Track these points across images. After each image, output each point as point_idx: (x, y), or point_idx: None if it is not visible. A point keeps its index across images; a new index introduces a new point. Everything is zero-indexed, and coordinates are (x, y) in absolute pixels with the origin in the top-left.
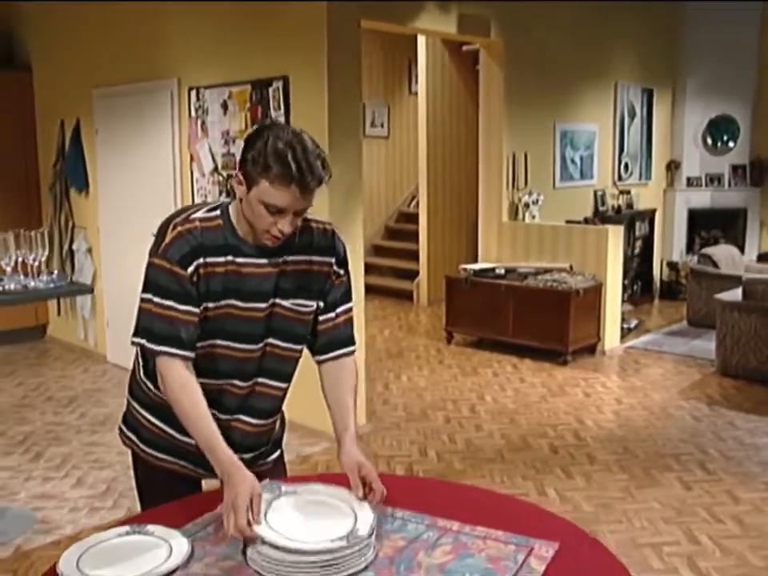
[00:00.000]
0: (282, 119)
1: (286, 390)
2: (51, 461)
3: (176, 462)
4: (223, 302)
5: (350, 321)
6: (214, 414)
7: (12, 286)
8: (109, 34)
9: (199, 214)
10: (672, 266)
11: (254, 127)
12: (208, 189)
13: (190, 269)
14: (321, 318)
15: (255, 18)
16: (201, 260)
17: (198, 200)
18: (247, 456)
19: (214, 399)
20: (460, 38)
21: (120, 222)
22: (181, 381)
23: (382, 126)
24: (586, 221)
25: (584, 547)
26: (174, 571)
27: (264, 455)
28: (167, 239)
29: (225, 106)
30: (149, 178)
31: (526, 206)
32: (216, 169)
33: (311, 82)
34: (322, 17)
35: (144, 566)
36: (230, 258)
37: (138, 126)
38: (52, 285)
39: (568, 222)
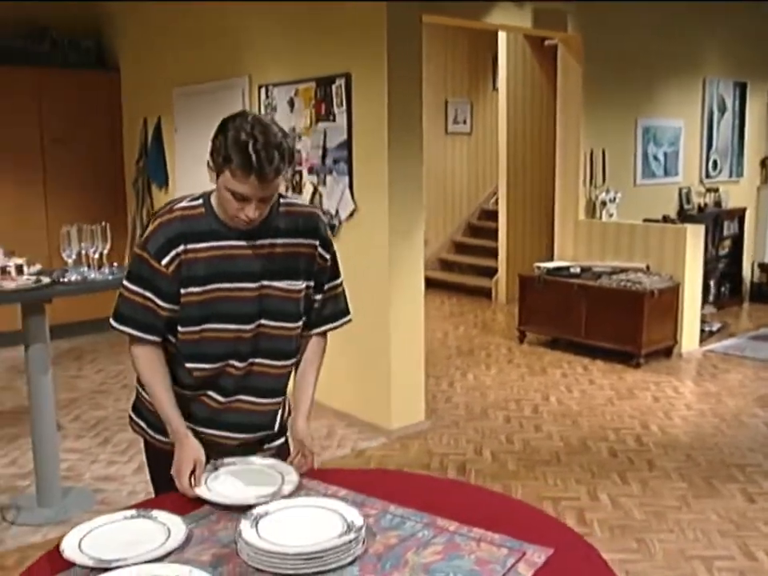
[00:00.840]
0: (344, 116)
1: (288, 369)
2: (118, 446)
3: None
4: (210, 287)
5: (338, 296)
6: (215, 399)
7: (73, 278)
8: (188, 36)
9: (182, 204)
10: (763, 267)
11: (225, 118)
12: None
13: (166, 259)
14: (312, 298)
15: (320, 15)
16: (180, 248)
17: None
18: (250, 436)
19: (215, 382)
20: (536, 32)
21: None
22: (146, 359)
23: (465, 122)
24: (665, 219)
25: (578, 556)
26: (167, 555)
27: (268, 439)
28: (148, 231)
29: (291, 103)
30: None
31: (603, 203)
32: None
33: (372, 79)
34: (382, 13)
35: (140, 548)
36: (212, 243)
37: (213, 123)
38: (111, 277)
39: (646, 220)
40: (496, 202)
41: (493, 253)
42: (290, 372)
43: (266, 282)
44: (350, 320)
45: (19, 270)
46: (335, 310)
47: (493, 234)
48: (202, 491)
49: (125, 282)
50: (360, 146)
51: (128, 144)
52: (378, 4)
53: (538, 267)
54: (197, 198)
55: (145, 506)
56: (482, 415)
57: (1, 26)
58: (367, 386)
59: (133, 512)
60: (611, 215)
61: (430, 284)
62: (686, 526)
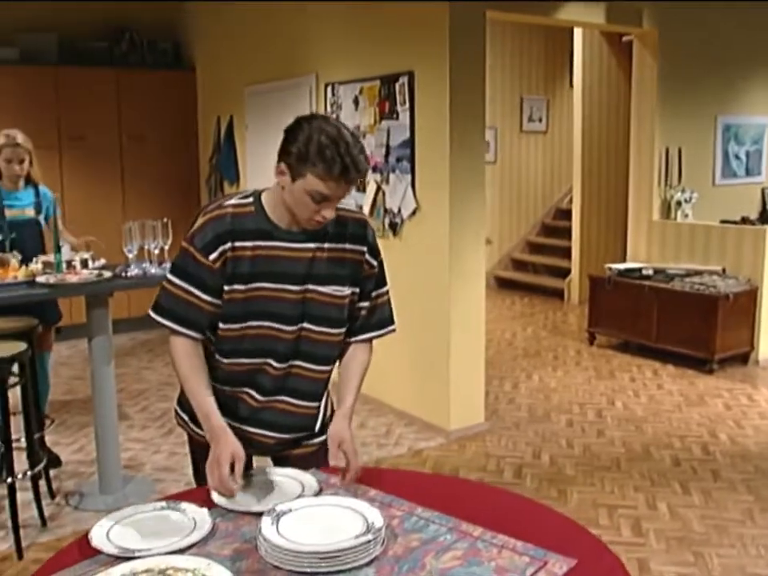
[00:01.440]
0: (407, 114)
1: (327, 374)
2: (180, 437)
3: None
4: (253, 285)
5: (384, 304)
6: (253, 397)
7: (134, 272)
8: (260, 36)
9: (232, 201)
10: None
11: (295, 119)
12: None
13: (213, 255)
14: (357, 305)
15: (384, 13)
16: (228, 245)
17: None
18: (288, 436)
19: (253, 380)
20: (609, 28)
21: None
22: (185, 352)
23: (540, 120)
24: (744, 221)
25: (602, 568)
26: (190, 547)
27: (310, 437)
28: (196, 226)
29: (356, 102)
30: None
31: (679, 204)
32: None
33: (435, 77)
34: (445, 10)
35: (165, 539)
36: (258, 242)
37: (281, 121)
38: None
39: (723, 221)
40: (570, 201)
41: (567, 253)
42: (328, 377)
43: (310, 286)
44: (394, 329)
45: (84, 264)
46: (381, 318)
47: (567, 234)
48: (218, 499)
49: (169, 275)
50: (422, 144)
51: (202, 142)
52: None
53: (609, 268)
54: (247, 196)
55: (175, 497)
56: (544, 418)
57: (84, 28)
58: (427, 385)
59: (163, 503)
60: (686, 216)
61: (502, 284)
62: (749, 541)
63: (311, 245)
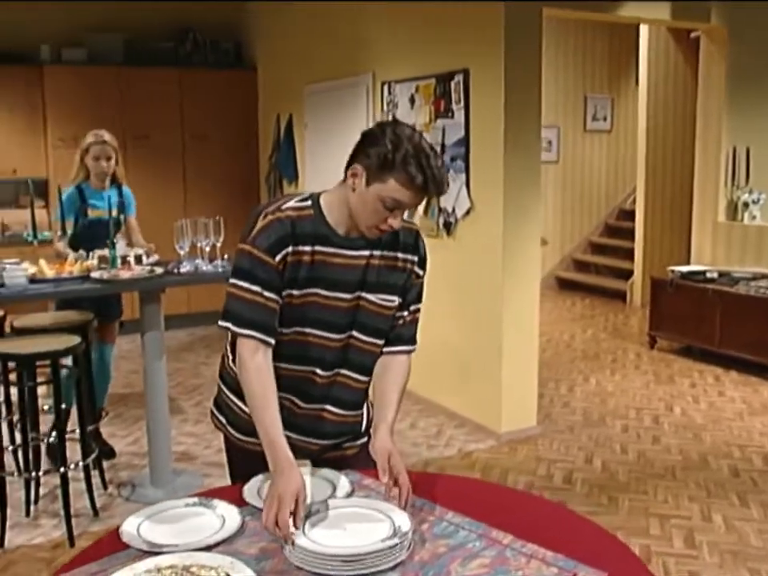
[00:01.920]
0: (461, 113)
1: (367, 384)
2: None
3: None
4: (308, 291)
5: (415, 321)
6: (296, 404)
7: (185, 269)
8: (319, 35)
9: (291, 204)
10: None
11: (377, 123)
12: None
13: (278, 257)
14: (396, 313)
15: (440, 12)
16: (289, 248)
17: None
18: (330, 443)
19: (298, 387)
20: (675, 24)
21: None
22: (257, 365)
23: (605, 119)
24: None
25: None
26: (217, 544)
27: (352, 439)
28: (258, 227)
29: (412, 100)
30: None
31: (745, 205)
32: None
33: (490, 75)
34: (500, 7)
35: (194, 536)
36: (317, 247)
37: (339, 119)
38: (221, 269)
39: None
40: (634, 201)
41: (630, 254)
42: (367, 388)
43: (362, 294)
44: (414, 350)
45: (138, 260)
46: (411, 333)
47: (630, 235)
48: (298, 535)
49: (232, 280)
50: (477, 143)
51: (262, 140)
52: None
53: (672, 271)
54: (305, 199)
55: (207, 494)
56: (599, 422)
57: (149, 29)
58: (479, 387)
59: (195, 500)
60: (754, 218)
61: (564, 285)
62: None
63: (366, 252)
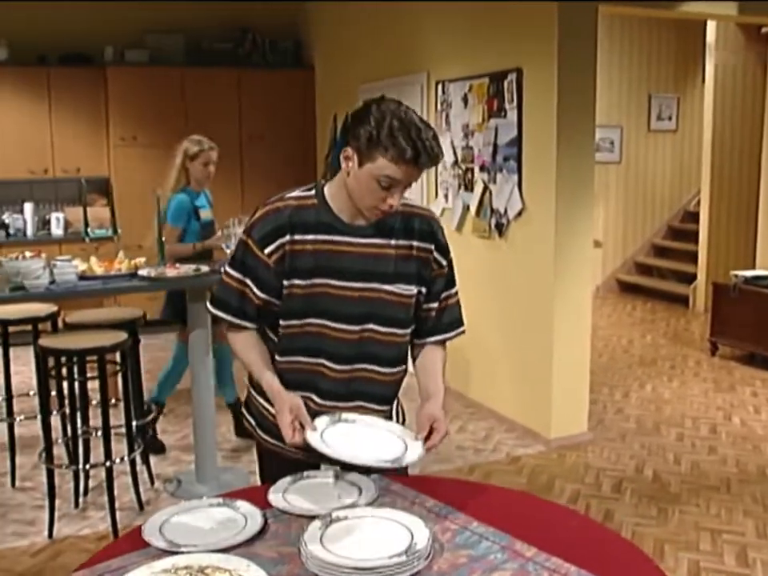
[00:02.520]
0: (514, 112)
1: (396, 376)
2: None
3: (289, 449)
4: (316, 281)
5: (453, 305)
6: (313, 400)
7: None
8: (375, 34)
9: (294, 193)
10: None
11: (362, 102)
12: (449, 182)
13: (270, 248)
14: (424, 305)
15: (494, 9)
16: (287, 237)
17: (440, 192)
18: None
19: (310, 383)
20: (743, 19)
21: None
22: (243, 342)
23: (670, 118)
24: None
25: None
26: (236, 546)
27: None
28: (257, 215)
29: (465, 100)
30: None
31: None
32: (456, 162)
33: (543, 74)
34: (554, 4)
35: (214, 536)
36: (322, 236)
37: None
38: None
39: None
40: (698, 203)
41: (694, 257)
42: (400, 379)
43: (376, 285)
44: (464, 331)
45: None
46: (451, 319)
47: (695, 238)
48: (313, 439)
49: (226, 267)
50: (529, 143)
51: (320, 139)
52: None
53: (735, 275)
54: (309, 189)
55: (233, 495)
56: (653, 431)
57: (209, 30)
58: (528, 391)
59: (219, 500)
60: None
61: (625, 288)
62: None
63: (377, 240)
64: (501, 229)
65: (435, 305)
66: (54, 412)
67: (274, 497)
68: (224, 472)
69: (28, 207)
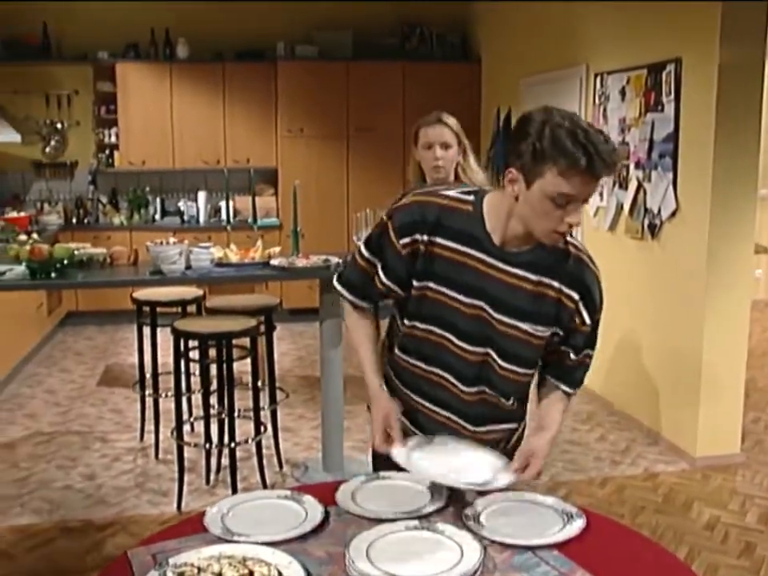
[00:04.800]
0: (672, 106)
1: (515, 405)
2: None
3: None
4: (445, 290)
5: (586, 365)
6: (430, 409)
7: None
8: (537, 27)
9: (451, 192)
10: None
11: (520, 117)
12: (604, 179)
13: (405, 240)
14: (561, 347)
15: None
16: (425, 237)
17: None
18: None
19: (431, 393)
20: None
21: None
22: (357, 323)
23: None
24: None
25: None
26: (288, 541)
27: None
28: (402, 202)
29: (623, 92)
30: None
31: None
32: None
33: (703, 65)
34: None
35: (270, 528)
36: (464, 248)
37: None
38: None
39: None
40: None
41: None
42: (517, 410)
43: (505, 319)
44: (575, 394)
45: None
46: (580, 377)
47: None
48: (399, 456)
49: (360, 245)
50: (686, 139)
51: (484, 133)
52: None
53: None
54: (468, 193)
55: (301, 489)
56: None
57: (377, 26)
58: (675, 403)
59: (287, 492)
60: None
61: None
62: None
63: (519, 271)
64: (653, 230)
65: (575, 358)
66: (196, 392)
67: (342, 494)
68: (351, 462)
69: (201, 196)
